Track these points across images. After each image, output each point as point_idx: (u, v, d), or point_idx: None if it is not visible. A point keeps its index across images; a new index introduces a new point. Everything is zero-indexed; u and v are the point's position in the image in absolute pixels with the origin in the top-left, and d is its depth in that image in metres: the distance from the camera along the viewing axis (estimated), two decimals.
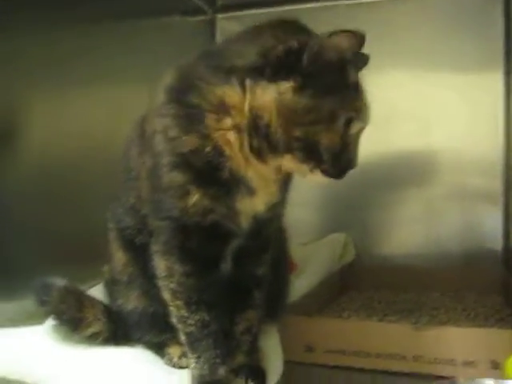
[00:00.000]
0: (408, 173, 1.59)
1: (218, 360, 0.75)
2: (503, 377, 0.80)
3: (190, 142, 0.70)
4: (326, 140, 0.68)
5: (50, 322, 0.93)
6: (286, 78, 0.66)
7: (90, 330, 0.86)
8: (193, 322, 0.75)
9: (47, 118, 1.10)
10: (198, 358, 0.75)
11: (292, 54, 0.66)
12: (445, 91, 1.52)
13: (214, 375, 0.75)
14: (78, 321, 0.86)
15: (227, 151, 0.70)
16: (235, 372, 0.79)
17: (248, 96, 0.67)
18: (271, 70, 0.66)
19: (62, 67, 1.12)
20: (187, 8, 1.66)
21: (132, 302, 0.85)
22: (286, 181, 0.77)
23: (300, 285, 1.17)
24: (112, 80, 1.29)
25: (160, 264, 0.76)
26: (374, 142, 1.54)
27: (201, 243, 0.73)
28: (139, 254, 0.82)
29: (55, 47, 1.10)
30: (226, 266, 0.78)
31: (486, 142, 1.51)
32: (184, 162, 0.70)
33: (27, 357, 0.80)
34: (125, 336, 0.87)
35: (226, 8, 1.77)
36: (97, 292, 0.95)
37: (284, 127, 0.66)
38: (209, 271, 0.76)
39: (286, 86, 0.66)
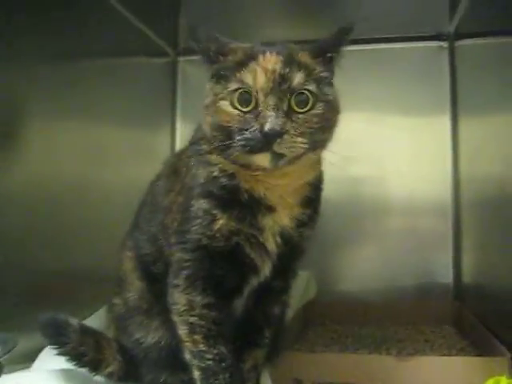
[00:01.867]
0: (363, 212, 1.69)
1: None
2: None
3: (202, 173, 0.78)
4: None
5: (42, 363, 0.92)
6: None
7: (108, 370, 0.86)
8: (210, 357, 0.77)
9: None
10: None
11: None
12: (397, 135, 1.66)
13: None
14: (97, 362, 0.86)
15: (229, 170, 0.76)
16: None
17: None
18: None
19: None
20: (152, 49, 1.71)
21: (153, 334, 0.87)
22: (309, 198, 0.81)
23: None
24: (80, 117, 1.30)
25: (180, 299, 0.78)
26: (333, 182, 1.65)
27: (226, 272, 0.77)
28: (154, 282, 0.85)
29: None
30: (242, 301, 0.81)
31: (436, 182, 1.65)
32: (206, 191, 0.77)
33: None
34: (135, 375, 0.88)
35: (188, 51, 1.82)
36: (92, 322, 0.95)
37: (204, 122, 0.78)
38: (227, 303, 0.80)
39: None
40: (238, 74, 0.71)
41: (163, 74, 1.82)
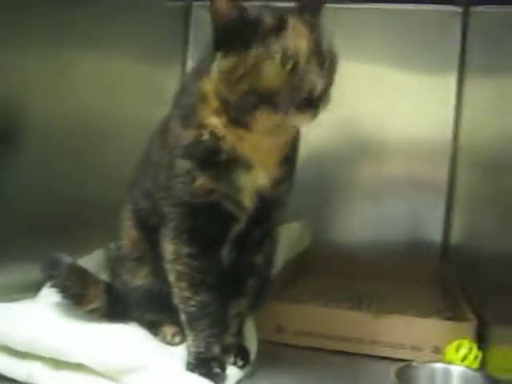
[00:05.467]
0: (360, 161, 1.73)
1: (213, 339, 0.86)
2: (444, 360, 0.96)
3: (188, 135, 0.81)
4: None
5: (45, 296, 1.00)
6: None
7: (91, 306, 0.95)
8: (194, 303, 0.85)
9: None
10: (196, 336, 0.86)
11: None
12: (400, 91, 1.67)
13: (209, 353, 0.85)
14: (80, 297, 0.95)
15: (219, 133, 0.80)
16: (225, 350, 0.90)
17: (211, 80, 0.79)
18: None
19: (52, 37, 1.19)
20: None
21: (138, 280, 0.95)
22: (287, 157, 0.85)
23: None
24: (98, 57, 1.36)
25: (168, 247, 0.86)
26: (330, 131, 1.67)
27: (206, 225, 0.84)
28: (150, 233, 0.91)
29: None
30: (226, 251, 0.88)
31: (436, 143, 1.66)
32: (187, 153, 0.81)
33: (31, 328, 0.87)
34: (122, 313, 0.96)
35: None
36: (84, 262, 1.05)
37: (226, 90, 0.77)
38: (212, 254, 0.86)
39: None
40: (274, 39, 0.73)
41: (176, 20, 1.82)
